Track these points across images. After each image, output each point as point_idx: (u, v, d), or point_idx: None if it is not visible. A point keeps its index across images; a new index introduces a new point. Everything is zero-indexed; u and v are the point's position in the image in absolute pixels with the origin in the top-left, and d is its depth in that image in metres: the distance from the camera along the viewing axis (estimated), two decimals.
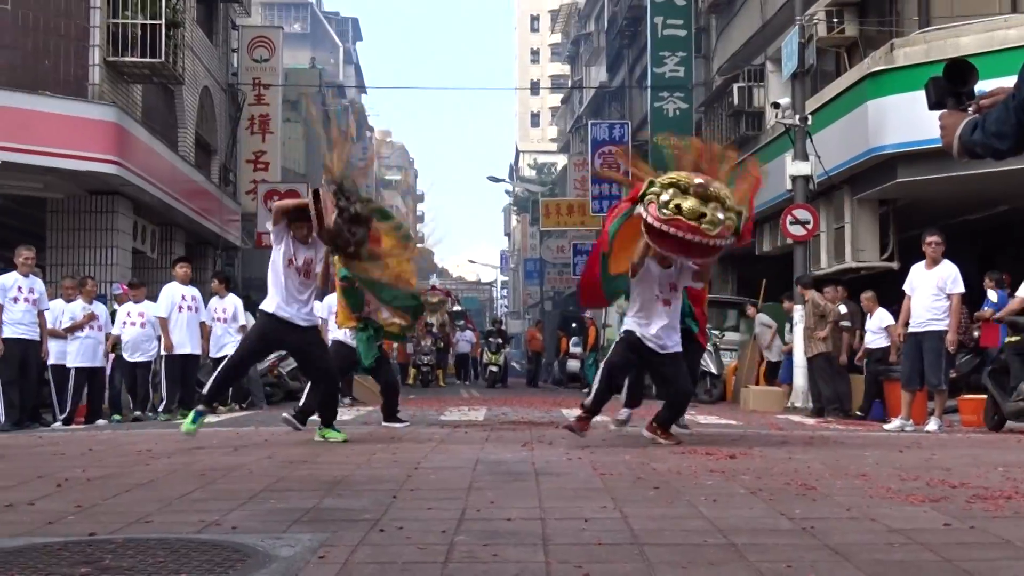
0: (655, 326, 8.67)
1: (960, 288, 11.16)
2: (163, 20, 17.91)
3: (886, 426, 11.71)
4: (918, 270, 11.46)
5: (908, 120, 15.16)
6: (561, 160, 66.56)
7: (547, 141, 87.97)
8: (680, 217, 7.82)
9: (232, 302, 15.07)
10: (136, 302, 14.20)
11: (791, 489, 5.79)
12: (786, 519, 4.79)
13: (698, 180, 7.95)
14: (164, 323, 13.86)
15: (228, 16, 27.94)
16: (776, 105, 17.45)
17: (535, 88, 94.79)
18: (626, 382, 9.82)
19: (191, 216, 21.37)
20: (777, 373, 16.93)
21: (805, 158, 16.85)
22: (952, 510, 5.04)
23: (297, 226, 8.64)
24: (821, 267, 18.16)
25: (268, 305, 8.80)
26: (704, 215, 7.84)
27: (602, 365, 8.96)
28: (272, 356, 18.63)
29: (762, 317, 17.26)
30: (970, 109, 3.28)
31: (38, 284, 12.89)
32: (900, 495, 5.54)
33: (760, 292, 17.97)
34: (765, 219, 21.53)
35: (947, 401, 11.83)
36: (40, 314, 12.77)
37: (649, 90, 29.43)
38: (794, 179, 16.96)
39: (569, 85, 62.57)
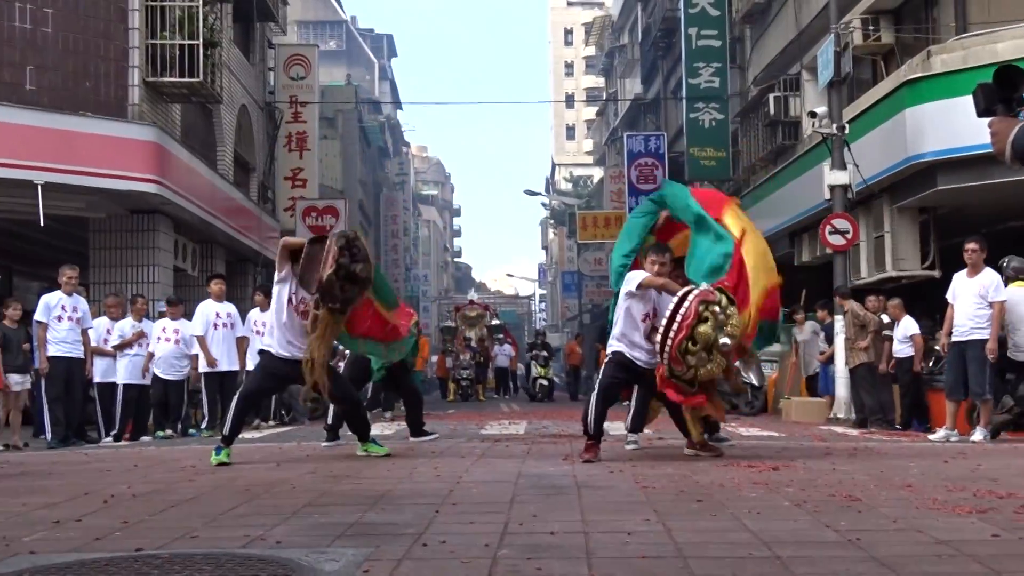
0: (638, 347, 8.50)
1: (1002, 296, 11.06)
2: (200, 40, 18.06)
3: (931, 436, 11.60)
4: (960, 278, 11.35)
5: (947, 127, 15.06)
6: (597, 173, 66.55)
7: (583, 154, 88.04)
8: (691, 371, 8.06)
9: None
10: (172, 319, 14.12)
11: (836, 501, 5.75)
12: (831, 531, 4.75)
13: (728, 356, 8.14)
14: (202, 341, 13.92)
15: (264, 35, 28.17)
16: (813, 114, 17.35)
17: (570, 101, 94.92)
18: (631, 408, 9.70)
19: (230, 233, 21.52)
20: (817, 384, 16.81)
21: (843, 167, 16.74)
22: (1000, 521, 4.98)
23: (297, 266, 8.62)
24: (861, 277, 18.04)
25: (269, 344, 8.79)
26: (711, 371, 8.09)
27: (595, 390, 8.77)
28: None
29: (811, 325, 17.10)
30: (1021, 114, 3.23)
31: (82, 303, 13.03)
32: (947, 506, 5.48)
33: (800, 302, 17.86)
34: (804, 229, 21.44)
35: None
36: (84, 332, 12.91)
37: (684, 101, 29.37)
38: (832, 188, 16.86)
39: (604, 97, 62.58)
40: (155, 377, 13.82)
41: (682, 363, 7.99)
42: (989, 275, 11.14)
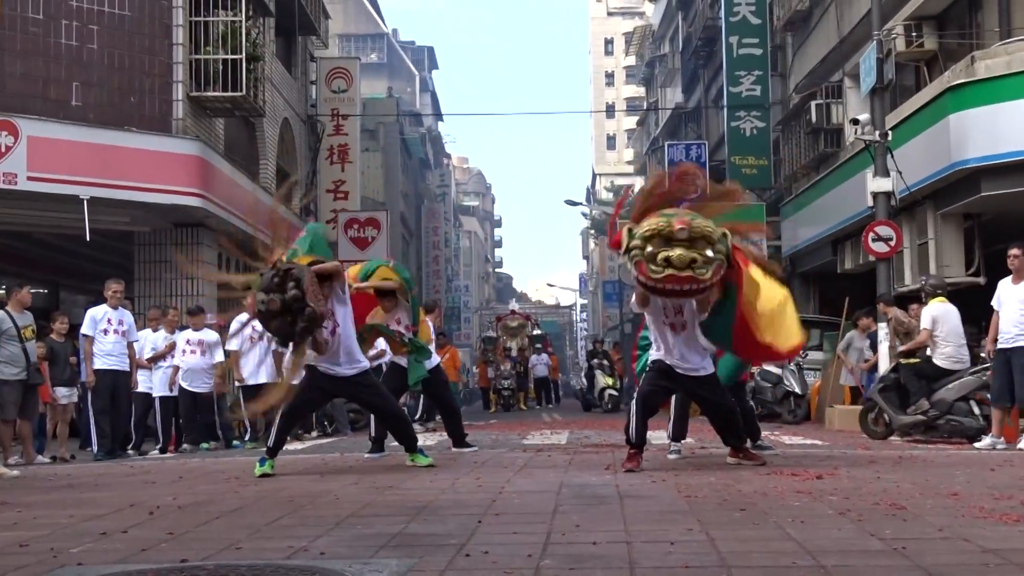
0: (675, 351, 8.39)
1: None
2: (243, 54, 18.23)
3: (976, 444, 11.47)
4: (1005, 285, 11.23)
5: (991, 133, 14.93)
6: (638, 182, 66.45)
7: (623, 164, 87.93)
8: (672, 271, 7.59)
9: None
10: (196, 330, 13.95)
11: (880, 509, 5.70)
12: (876, 540, 4.71)
13: (679, 224, 7.62)
14: (236, 356, 13.96)
15: (306, 49, 28.37)
16: (855, 121, 17.22)
17: (611, 111, 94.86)
18: (671, 416, 9.65)
19: None
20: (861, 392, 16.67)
21: (886, 174, 16.61)
22: None
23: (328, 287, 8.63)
24: (905, 284, 17.89)
25: (311, 359, 8.82)
26: (695, 260, 7.60)
27: (635, 396, 8.73)
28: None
29: (849, 336, 16.97)
30: None
31: (127, 316, 13.16)
32: (993, 514, 5.42)
33: (843, 310, 17.73)
34: (847, 236, 21.29)
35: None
36: (130, 345, 13.04)
37: (726, 110, 29.27)
38: (875, 195, 16.72)
39: (645, 107, 62.48)
40: (182, 390, 13.75)
41: (695, 278, 7.66)
42: None
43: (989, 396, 11.76)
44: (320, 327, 8.35)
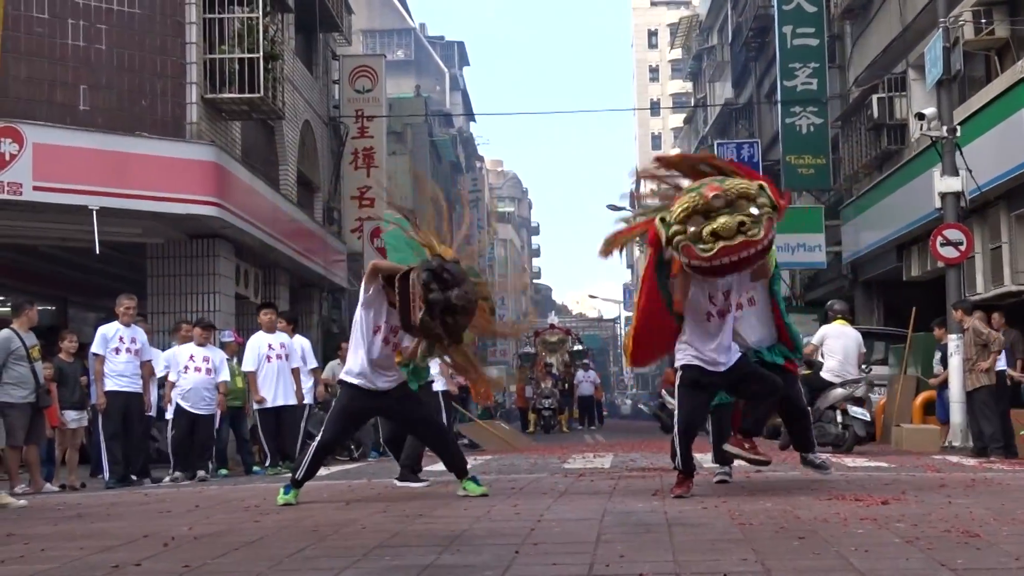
0: (707, 346, 8.18)
1: None
2: (261, 53, 18.31)
3: None
4: None
5: None
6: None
7: None
8: (724, 243, 7.45)
9: (298, 344, 14.75)
10: (200, 345, 13.74)
11: (952, 537, 5.66)
12: (947, 570, 4.68)
13: (712, 192, 7.54)
14: (252, 377, 14.00)
15: (328, 46, 28.54)
16: (921, 116, 17.14)
17: (655, 108, 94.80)
18: (710, 439, 9.55)
19: (294, 258, 21.78)
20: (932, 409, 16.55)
21: (955, 173, 16.51)
22: None
23: (391, 291, 8.31)
24: (977, 291, 17.77)
25: (349, 375, 8.70)
26: (743, 223, 7.47)
27: (676, 424, 8.46)
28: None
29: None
30: None
31: (140, 334, 13.23)
32: None
33: (911, 321, 17.60)
34: (913, 240, 21.17)
35: None
36: (143, 365, 13.11)
37: (780, 105, 29.18)
38: (943, 196, 16.62)
39: (692, 103, 62.37)
40: (180, 410, 13.44)
41: (750, 240, 7.52)
42: None
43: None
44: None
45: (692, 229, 7.54)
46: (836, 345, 15.24)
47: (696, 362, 8.23)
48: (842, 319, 15.60)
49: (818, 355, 15.13)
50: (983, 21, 18.44)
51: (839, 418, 15.00)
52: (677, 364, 8.40)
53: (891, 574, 4.60)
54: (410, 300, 7.95)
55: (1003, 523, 6.20)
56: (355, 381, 8.65)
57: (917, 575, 4.60)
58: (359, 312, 8.62)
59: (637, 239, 8.56)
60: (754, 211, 7.53)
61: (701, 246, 7.51)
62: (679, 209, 7.64)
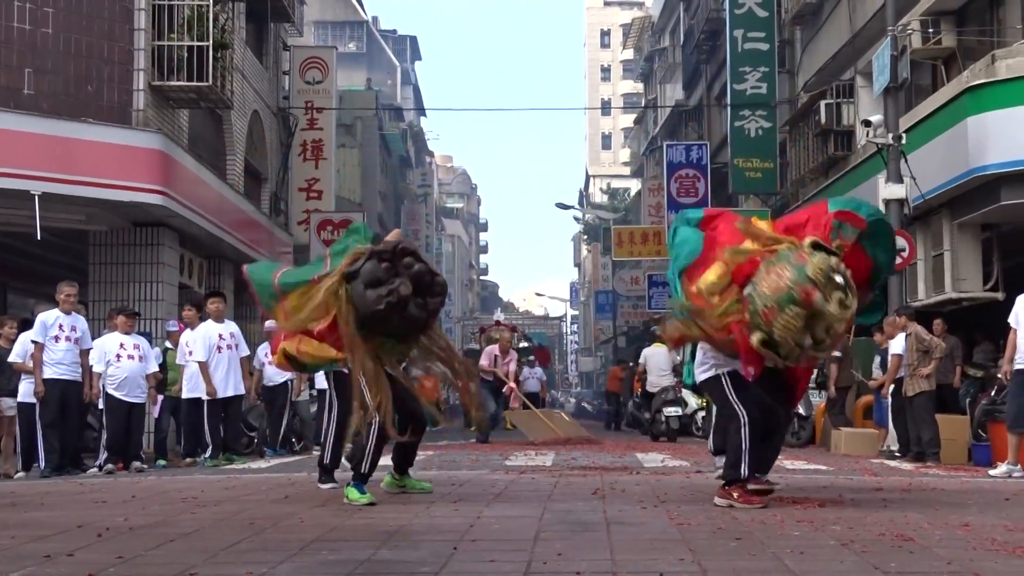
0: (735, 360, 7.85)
1: None
2: (210, 41, 18.16)
3: (992, 472, 11.51)
4: (1023, 301, 11.30)
5: (1012, 138, 14.99)
6: (634, 185, 66.57)
7: (619, 164, 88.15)
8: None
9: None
10: (126, 333, 13.50)
11: (886, 541, 5.71)
12: (880, 573, 4.73)
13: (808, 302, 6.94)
14: (204, 367, 13.88)
15: (279, 36, 28.35)
16: (867, 123, 17.29)
17: (606, 108, 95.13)
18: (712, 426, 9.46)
19: (240, 248, 21.62)
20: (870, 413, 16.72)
21: (899, 180, 16.68)
22: None
23: None
24: (919, 298, 17.94)
25: None
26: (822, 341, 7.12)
27: (739, 427, 7.57)
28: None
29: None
30: None
31: (80, 322, 13.08)
32: (1006, 547, 5.45)
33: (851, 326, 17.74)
34: None
35: None
36: (83, 354, 12.96)
37: (729, 108, 29.35)
38: (887, 203, 16.79)
39: (643, 104, 62.63)
40: (115, 400, 13.20)
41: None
42: None
43: (1005, 421, 11.81)
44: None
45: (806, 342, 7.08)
46: (652, 363, 21.81)
47: (733, 367, 7.68)
48: (659, 342, 20.80)
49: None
50: (931, 31, 18.63)
51: (662, 417, 20.70)
52: (718, 371, 7.78)
53: None
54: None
55: (936, 528, 6.27)
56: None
57: None
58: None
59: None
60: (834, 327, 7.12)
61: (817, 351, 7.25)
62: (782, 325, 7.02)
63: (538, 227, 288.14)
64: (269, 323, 16.16)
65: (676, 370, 21.07)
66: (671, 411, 20.49)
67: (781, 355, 7.17)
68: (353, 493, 7.89)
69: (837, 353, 16.38)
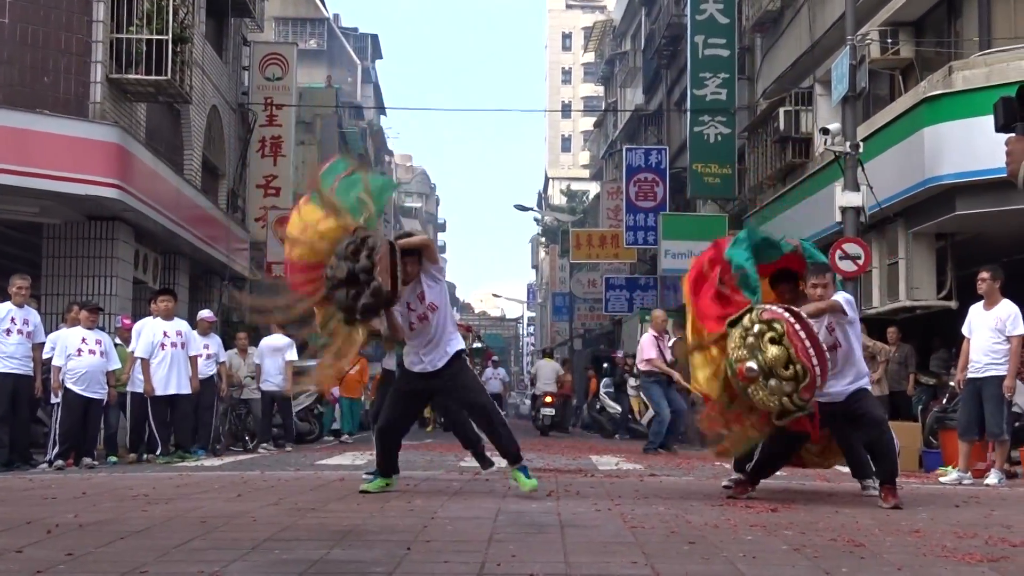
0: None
1: (1020, 330, 11.08)
2: (170, 35, 18.04)
3: (942, 479, 11.62)
4: (976, 310, 11.41)
5: (967, 148, 15.13)
6: (593, 188, 66.69)
7: (578, 167, 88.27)
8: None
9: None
10: (89, 328, 13.39)
11: (837, 546, 5.76)
12: None
13: (740, 378, 7.75)
14: (146, 364, 13.81)
15: (239, 32, 28.20)
16: (825, 131, 17.40)
17: (566, 111, 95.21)
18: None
19: (196, 244, 21.49)
20: None
21: (856, 188, 16.80)
22: (1012, 571, 5.00)
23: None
24: (873, 306, 18.08)
25: (404, 359, 8.61)
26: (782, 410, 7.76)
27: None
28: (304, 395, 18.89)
29: None
30: None
31: (33, 315, 12.96)
32: (956, 554, 5.50)
33: None
34: None
35: (1009, 452, 11.75)
36: (35, 348, 12.84)
37: (689, 114, 29.45)
38: (844, 211, 16.92)
39: (603, 107, 62.75)
40: (72, 395, 13.05)
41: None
42: (1006, 307, 11.19)
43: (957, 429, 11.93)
44: (386, 307, 7.96)
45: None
46: (541, 373, 29.53)
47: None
48: (548, 356, 32.26)
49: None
50: (889, 41, 18.79)
51: (540, 415, 28.19)
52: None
53: None
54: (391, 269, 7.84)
55: (887, 533, 6.32)
56: (405, 362, 8.59)
57: None
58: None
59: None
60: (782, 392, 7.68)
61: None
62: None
63: (496, 228, 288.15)
64: (204, 312, 16.09)
65: (559, 380, 29.10)
66: (547, 411, 27.94)
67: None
68: (522, 478, 8.32)
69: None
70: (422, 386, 8.59)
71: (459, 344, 8.60)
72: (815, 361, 7.65)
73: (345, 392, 20.90)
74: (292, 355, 16.78)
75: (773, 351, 7.60)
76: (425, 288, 8.30)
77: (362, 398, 22.42)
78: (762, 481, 8.90)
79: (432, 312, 8.31)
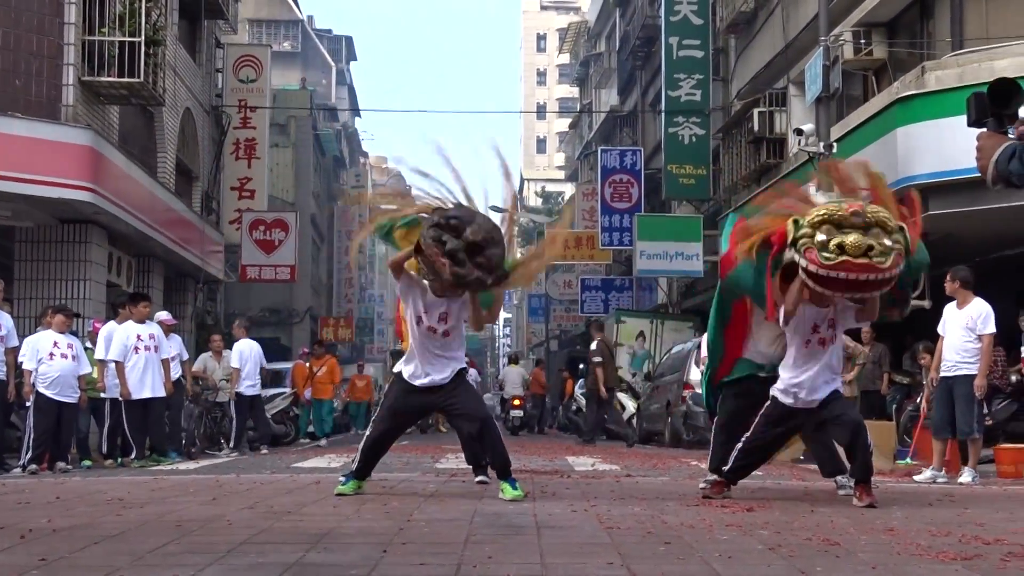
0: (806, 375, 8.14)
1: (991, 328, 11.13)
2: (142, 37, 17.99)
3: (916, 477, 11.68)
4: (950, 310, 11.49)
5: (940, 149, 15.19)
6: (569, 189, 66.72)
7: (554, 168, 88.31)
8: (848, 258, 7.41)
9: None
10: (61, 331, 13.31)
11: (812, 545, 5.78)
12: None
13: (852, 208, 7.56)
14: (121, 368, 13.77)
15: (213, 34, 28.10)
16: (799, 131, 17.48)
17: (541, 112, 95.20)
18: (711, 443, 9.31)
19: (170, 247, 21.42)
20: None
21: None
22: (985, 568, 5.02)
23: (417, 273, 8.14)
24: None
25: (405, 369, 8.45)
26: (872, 247, 7.42)
27: (743, 444, 8.51)
28: (281, 396, 18.89)
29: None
30: (1011, 133, 3.28)
31: (6, 320, 12.87)
32: (930, 552, 5.53)
33: None
34: None
35: (982, 450, 11.82)
36: (9, 352, 12.74)
37: (663, 115, 29.51)
38: None
39: (578, 109, 62.80)
40: (45, 399, 12.93)
41: (874, 266, 7.48)
42: (978, 306, 11.24)
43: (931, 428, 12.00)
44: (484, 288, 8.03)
45: (820, 237, 7.50)
46: (508, 378, 31.49)
47: (787, 399, 8.26)
48: (514, 363, 33.06)
49: None
50: (862, 42, 18.87)
51: (510, 415, 29.56)
52: (773, 391, 8.36)
53: None
54: (433, 263, 7.76)
55: (862, 532, 6.35)
56: (406, 376, 8.43)
57: None
58: (403, 309, 8.56)
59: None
60: (887, 242, 7.50)
61: (825, 254, 7.46)
62: (815, 215, 7.62)
63: None
64: (162, 314, 16.00)
65: (525, 384, 31.07)
66: (515, 413, 29.70)
67: (796, 241, 7.60)
68: (509, 489, 8.17)
69: (598, 358, 19.97)
70: (420, 401, 8.56)
71: (464, 361, 8.61)
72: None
73: (316, 394, 20.87)
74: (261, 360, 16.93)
75: (880, 212, 7.64)
76: (461, 304, 8.30)
77: (335, 401, 22.41)
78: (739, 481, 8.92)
79: (454, 330, 8.33)
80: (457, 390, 8.44)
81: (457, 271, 7.70)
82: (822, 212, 7.62)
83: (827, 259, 7.45)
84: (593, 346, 20.51)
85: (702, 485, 8.81)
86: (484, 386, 37.39)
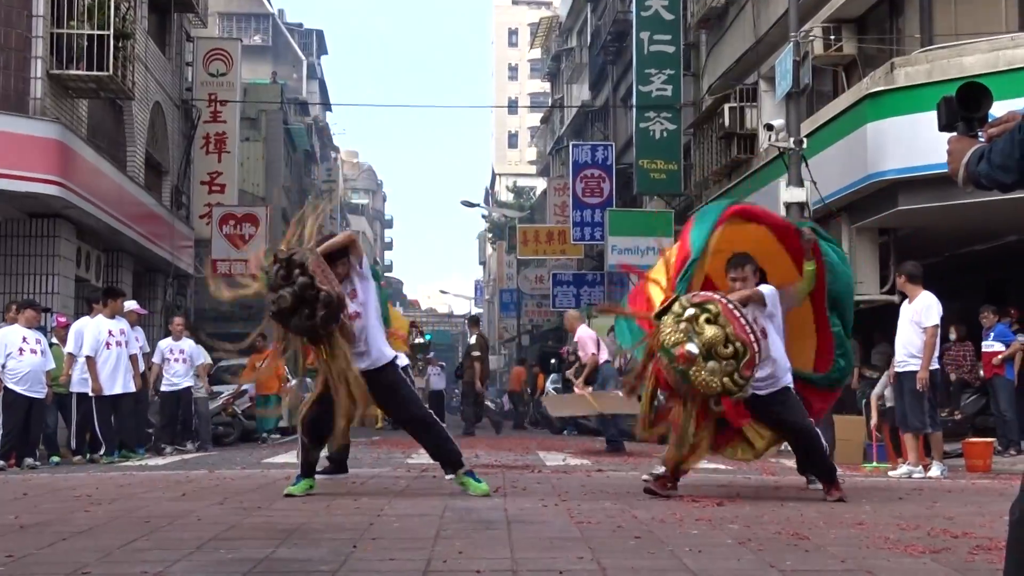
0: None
1: (933, 320, 11.06)
2: (111, 31, 17.88)
3: (891, 472, 11.74)
4: (904, 305, 11.55)
5: (909, 144, 15.27)
6: (540, 184, 66.77)
7: (525, 163, 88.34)
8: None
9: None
10: (29, 327, 13.24)
11: (782, 539, 5.80)
12: (776, 571, 4.80)
13: (680, 353, 7.63)
14: (92, 363, 13.66)
15: (182, 27, 27.96)
16: (769, 127, 17.52)
17: (513, 107, 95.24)
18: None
19: (140, 242, 21.31)
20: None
21: (800, 184, 16.92)
22: (954, 562, 5.06)
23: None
24: None
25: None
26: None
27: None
28: (226, 394, 18.63)
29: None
30: (980, 136, 3.31)
31: None
32: (899, 546, 5.56)
33: None
34: None
35: (952, 445, 11.91)
36: None
37: (634, 110, 29.57)
38: (788, 206, 17.02)
39: (549, 104, 62.82)
40: (14, 395, 12.88)
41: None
42: (923, 299, 11.18)
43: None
44: (344, 309, 7.79)
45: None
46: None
47: None
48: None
49: None
50: (832, 38, 18.94)
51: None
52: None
53: (722, 574, 4.69)
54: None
55: (831, 526, 6.38)
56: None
57: (746, 575, 4.70)
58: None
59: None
60: (712, 369, 7.62)
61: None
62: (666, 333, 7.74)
63: (444, 224, 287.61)
64: (131, 303, 15.74)
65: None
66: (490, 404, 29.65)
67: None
68: (472, 483, 8.12)
69: (477, 352, 20.96)
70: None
71: (392, 350, 8.46)
72: (753, 337, 7.68)
73: (259, 389, 20.48)
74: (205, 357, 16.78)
75: (710, 331, 7.59)
76: (357, 286, 8.20)
77: (284, 398, 22.18)
78: (707, 475, 8.95)
79: (363, 308, 8.19)
80: (393, 387, 8.32)
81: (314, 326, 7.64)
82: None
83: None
84: (471, 340, 20.72)
85: (645, 478, 8.58)
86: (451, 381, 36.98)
